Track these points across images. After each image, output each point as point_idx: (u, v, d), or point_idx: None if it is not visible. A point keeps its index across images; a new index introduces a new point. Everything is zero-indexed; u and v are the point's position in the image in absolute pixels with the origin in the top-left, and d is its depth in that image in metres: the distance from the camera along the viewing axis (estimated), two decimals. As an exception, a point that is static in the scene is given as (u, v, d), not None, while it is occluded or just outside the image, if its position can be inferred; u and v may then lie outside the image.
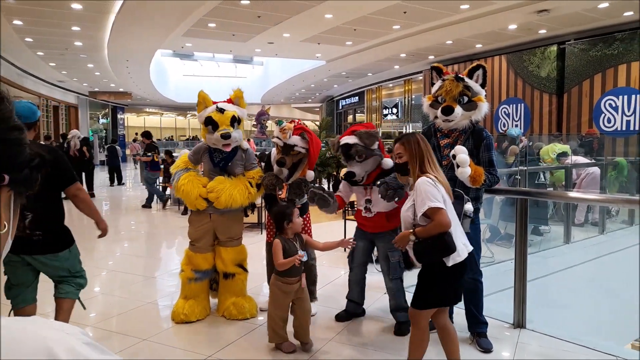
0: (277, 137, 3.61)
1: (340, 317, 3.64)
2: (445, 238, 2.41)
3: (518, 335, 3.31)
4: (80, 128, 21.98)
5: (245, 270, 3.76)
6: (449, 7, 8.80)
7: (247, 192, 3.57)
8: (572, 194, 5.50)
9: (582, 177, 7.36)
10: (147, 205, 9.59)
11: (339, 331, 3.47)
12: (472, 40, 11.57)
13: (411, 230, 2.50)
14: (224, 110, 3.55)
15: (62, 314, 2.96)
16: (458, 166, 2.86)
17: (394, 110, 19.75)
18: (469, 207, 2.82)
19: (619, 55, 9.79)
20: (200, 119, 3.61)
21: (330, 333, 3.42)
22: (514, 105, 12.04)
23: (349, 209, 5.60)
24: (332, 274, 4.63)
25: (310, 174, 3.68)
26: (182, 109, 31.90)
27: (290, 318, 3.18)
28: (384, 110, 20.43)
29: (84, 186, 11.22)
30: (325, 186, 9.62)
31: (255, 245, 5.58)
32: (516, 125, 11.79)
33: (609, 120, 9.91)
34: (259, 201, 6.49)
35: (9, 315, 1.37)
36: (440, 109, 3.13)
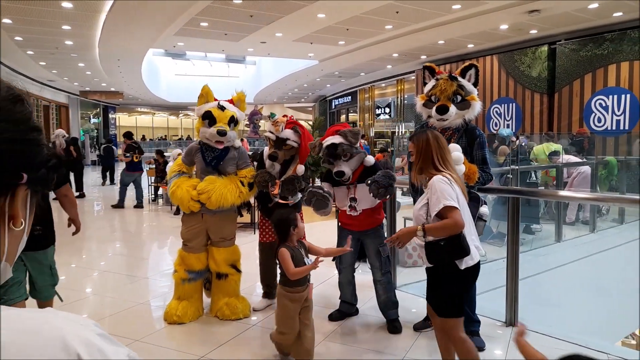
0: (270, 132, 3.62)
1: (333, 317, 3.65)
2: (460, 241, 2.31)
3: (510, 334, 3.33)
4: (71, 128, 21.81)
5: (239, 270, 3.75)
6: (441, 7, 8.83)
7: (238, 191, 3.56)
8: (563, 192, 5.55)
9: (573, 176, 7.43)
10: (140, 204, 9.53)
11: (333, 330, 3.47)
12: (464, 40, 11.63)
13: (419, 226, 2.39)
14: (225, 108, 3.56)
15: None
16: None
17: (387, 110, 19.79)
18: (484, 210, 2.81)
19: (609, 56, 9.89)
20: (198, 112, 3.60)
21: (323, 333, 3.42)
22: (506, 105, 12.11)
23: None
24: (325, 274, 4.63)
25: (301, 169, 3.68)
26: (174, 109, 31.75)
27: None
28: (377, 109, 20.46)
29: (73, 186, 11.15)
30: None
31: (248, 245, 5.56)
32: (508, 126, 11.86)
33: (599, 120, 10.01)
34: (252, 201, 6.48)
35: None
36: (434, 108, 3.14)
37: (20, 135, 0.59)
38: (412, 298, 4.07)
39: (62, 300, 3.17)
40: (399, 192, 6.45)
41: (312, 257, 2.83)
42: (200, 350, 3.12)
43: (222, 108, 3.55)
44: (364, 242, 3.51)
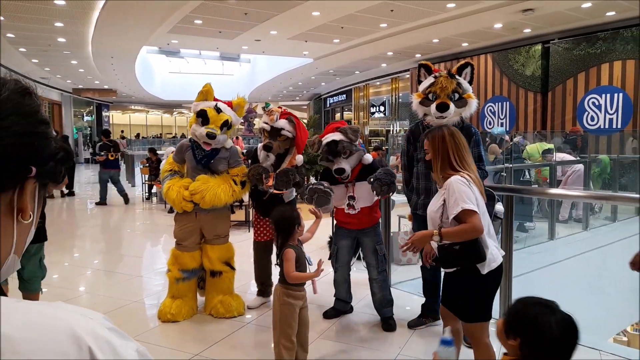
0: (265, 122, 3.60)
1: (328, 315, 3.65)
2: (476, 246, 2.18)
3: (504, 331, 3.33)
4: (64, 126, 21.65)
5: (233, 268, 3.74)
6: (436, 5, 8.85)
7: (231, 190, 3.55)
8: (556, 190, 5.58)
9: (568, 174, 7.48)
10: (101, 202, 9.58)
11: (328, 328, 3.47)
12: (459, 39, 11.66)
13: (435, 231, 2.27)
14: (221, 111, 3.52)
15: None
16: None
17: (382, 109, 19.81)
18: (499, 207, 2.76)
19: (602, 55, 9.95)
20: (194, 108, 3.57)
21: (318, 330, 3.43)
22: (500, 103, 12.16)
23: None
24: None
25: (300, 158, 3.68)
26: (168, 107, 31.62)
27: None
28: (372, 108, 20.48)
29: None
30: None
31: (243, 243, 5.56)
32: (502, 124, 11.91)
33: (592, 119, 10.07)
34: (246, 198, 6.46)
35: None
36: (435, 105, 3.14)
37: (30, 128, 0.59)
38: (407, 296, 4.08)
39: (42, 292, 3.27)
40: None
41: (309, 256, 2.79)
42: (194, 348, 3.11)
43: (218, 110, 3.50)
44: (361, 240, 3.51)
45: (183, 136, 29.58)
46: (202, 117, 3.47)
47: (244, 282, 4.31)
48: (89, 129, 26.22)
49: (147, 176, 10.10)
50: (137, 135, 30.30)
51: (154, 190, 10.01)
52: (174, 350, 3.13)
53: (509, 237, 3.47)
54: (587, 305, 4.35)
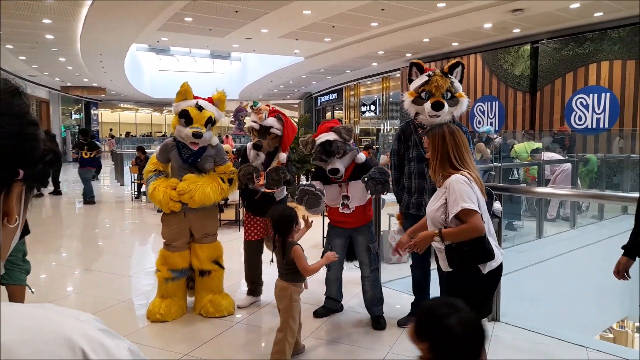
0: (253, 121, 3.59)
1: (318, 313, 3.65)
2: (485, 245, 2.17)
3: (492, 328, 3.37)
4: (52, 124, 21.39)
5: (222, 267, 3.73)
6: (426, 5, 8.89)
7: (220, 188, 3.53)
8: (544, 189, 5.64)
9: (556, 173, 7.56)
10: (89, 201, 9.57)
11: (318, 327, 3.48)
12: (449, 39, 11.72)
13: (436, 231, 2.26)
14: (203, 108, 3.48)
15: (17, 301, 2.97)
16: None
17: (372, 108, 19.85)
18: (497, 206, 2.77)
19: (590, 55, 10.06)
20: (175, 109, 3.52)
21: (308, 329, 3.43)
22: (489, 103, 12.25)
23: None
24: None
25: (283, 156, 3.67)
26: (158, 105, 31.39)
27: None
28: (362, 107, 20.52)
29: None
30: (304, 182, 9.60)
31: (233, 242, 5.55)
32: (491, 124, 12.00)
33: (579, 118, 10.19)
34: (236, 197, 6.44)
35: None
36: (430, 104, 3.15)
37: (19, 130, 0.57)
38: (397, 294, 4.10)
39: (33, 292, 3.22)
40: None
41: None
42: (184, 348, 3.10)
43: (200, 108, 3.46)
44: (355, 239, 3.51)
45: (172, 135, 29.40)
46: (185, 117, 3.43)
47: (234, 281, 4.30)
48: (78, 127, 25.95)
49: (136, 175, 10.03)
50: (127, 134, 30.06)
51: (143, 189, 9.94)
52: (163, 350, 3.11)
53: (498, 236, 3.50)
54: (574, 302, 4.41)
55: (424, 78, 3.28)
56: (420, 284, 3.50)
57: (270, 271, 4.05)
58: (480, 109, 12.46)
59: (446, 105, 3.14)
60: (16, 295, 3.10)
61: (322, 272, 3.75)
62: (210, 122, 3.51)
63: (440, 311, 1.44)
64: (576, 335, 3.31)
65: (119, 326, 3.43)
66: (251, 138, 3.78)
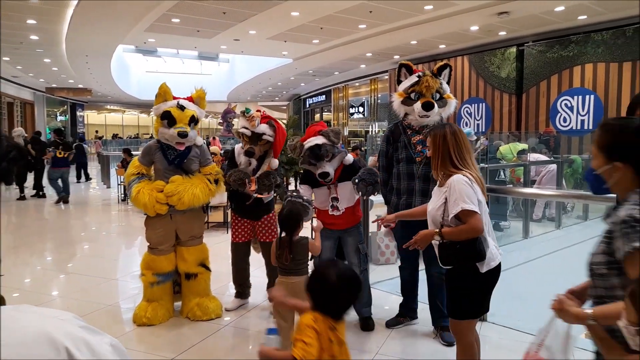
0: (244, 127, 3.55)
1: (306, 315, 3.64)
2: (477, 245, 2.20)
3: (479, 328, 3.39)
4: (37, 125, 21.11)
5: (208, 269, 3.69)
6: (414, 7, 8.95)
7: (207, 189, 3.51)
8: (530, 190, 5.70)
9: (542, 174, 7.64)
10: (63, 200, 9.67)
11: (306, 329, 3.46)
12: (436, 41, 11.81)
13: (436, 230, 2.28)
14: (185, 108, 3.45)
15: None
16: None
17: (361, 109, 19.92)
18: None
19: (574, 57, 10.22)
20: (156, 111, 3.46)
21: (296, 331, 3.42)
22: (476, 104, 12.36)
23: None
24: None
25: (275, 163, 3.66)
26: (145, 106, 31.10)
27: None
28: (351, 109, 20.58)
29: (31, 185, 10.98)
30: (292, 185, 9.59)
31: (221, 244, 5.51)
32: (477, 125, 12.12)
33: (564, 120, 10.33)
34: (224, 200, 6.41)
35: None
36: (421, 103, 3.17)
37: None
38: (385, 295, 4.11)
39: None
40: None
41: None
42: (171, 352, 3.06)
43: (181, 108, 3.43)
44: (344, 240, 3.50)
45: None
46: (168, 118, 3.39)
47: (222, 284, 4.27)
48: (63, 129, 25.61)
49: (122, 177, 9.94)
50: (115, 136, 29.82)
51: (128, 192, 9.86)
52: (149, 354, 3.07)
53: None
54: (560, 302, 4.45)
55: (413, 79, 3.30)
56: (408, 284, 3.51)
57: (258, 273, 4.04)
58: (467, 111, 12.57)
59: (435, 105, 3.17)
60: None
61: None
62: (193, 120, 3.48)
63: (321, 268, 1.77)
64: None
65: (105, 330, 3.36)
66: (240, 141, 3.74)
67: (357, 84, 19.99)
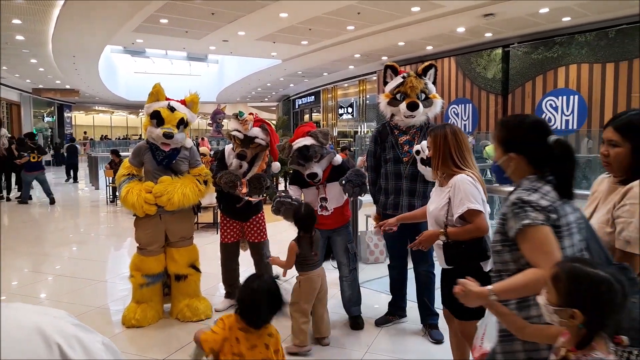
0: (237, 130, 3.56)
1: (296, 315, 3.67)
2: (482, 244, 2.20)
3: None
4: (24, 127, 20.82)
5: (198, 270, 3.70)
6: (401, 9, 9.02)
7: (197, 189, 3.52)
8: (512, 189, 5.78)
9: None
10: (23, 201, 9.75)
11: (295, 328, 3.49)
12: (423, 42, 11.91)
13: (441, 230, 2.28)
14: (175, 109, 3.46)
15: None
16: (422, 161, 2.93)
17: (349, 110, 20.00)
18: (487, 208, 2.85)
19: (559, 58, 10.38)
20: (147, 110, 3.48)
21: (286, 331, 3.45)
22: (463, 105, 12.49)
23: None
24: (288, 272, 4.65)
25: (276, 165, 3.69)
26: (133, 107, 30.88)
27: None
28: (340, 109, 20.64)
29: (16, 187, 10.95)
30: (282, 185, 9.62)
31: (210, 245, 5.52)
32: (464, 126, 12.24)
33: (549, 120, 10.48)
34: (213, 200, 6.41)
35: None
36: (405, 104, 3.22)
37: None
38: (374, 294, 4.15)
39: None
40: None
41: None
42: (161, 353, 3.07)
43: (172, 109, 3.44)
44: (333, 239, 3.52)
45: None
46: (157, 118, 3.40)
47: (212, 284, 4.28)
48: (50, 130, 25.33)
49: (111, 178, 9.87)
50: (105, 137, 29.58)
51: (118, 192, 9.81)
52: (139, 355, 3.08)
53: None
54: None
55: (398, 80, 3.34)
56: (397, 283, 3.55)
57: (247, 273, 4.06)
58: (454, 111, 12.69)
59: (421, 105, 3.22)
60: None
61: (297, 274, 3.78)
62: (183, 123, 3.48)
63: (248, 281, 2.07)
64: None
65: (94, 332, 3.38)
66: (231, 143, 3.74)
67: (345, 85, 20.06)
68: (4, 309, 0.55)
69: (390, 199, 3.35)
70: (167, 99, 3.55)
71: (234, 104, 27.55)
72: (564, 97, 10.23)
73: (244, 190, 3.51)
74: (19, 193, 10.37)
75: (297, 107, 25.67)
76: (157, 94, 3.51)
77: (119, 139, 30.42)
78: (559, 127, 10.29)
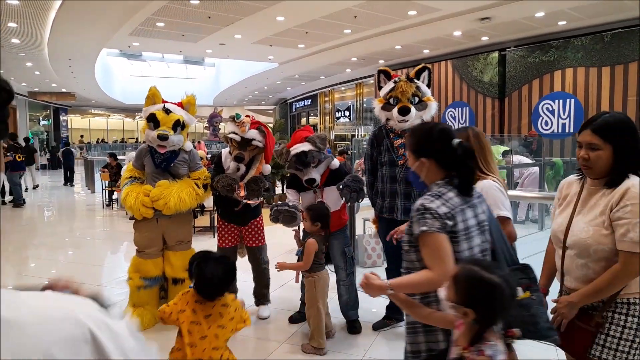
0: (234, 133, 3.55)
1: (294, 319, 3.66)
2: (512, 252, 2.09)
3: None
4: (19, 130, 20.75)
5: (196, 274, 3.69)
6: (397, 13, 9.04)
7: (195, 193, 3.51)
8: (512, 192, 5.80)
9: (524, 176, 7.78)
10: (19, 204, 9.86)
11: (293, 333, 3.48)
12: (420, 46, 11.94)
13: None
14: (170, 111, 3.47)
15: None
16: None
17: (347, 113, 20.02)
18: None
19: (555, 62, 10.42)
20: (144, 114, 3.52)
21: (284, 335, 3.43)
22: (460, 108, 12.52)
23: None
24: (285, 276, 4.63)
25: (267, 168, 3.68)
26: (129, 111, 30.81)
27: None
28: (337, 113, 20.66)
29: (7, 191, 11.00)
30: (279, 188, 9.60)
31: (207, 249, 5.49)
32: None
33: (546, 123, 10.52)
34: (210, 204, 6.39)
35: None
36: (396, 109, 3.22)
37: None
38: (372, 298, 4.12)
39: None
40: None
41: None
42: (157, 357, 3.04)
43: (167, 111, 3.45)
44: (330, 243, 3.51)
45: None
46: (153, 121, 3.43)
47: (209, 288, 4.26)
48: (46, 133, 25.24)
49: (107, 182, 9.84)
50: (102, 140, 29.54)
51: (114, 196, 9.76)
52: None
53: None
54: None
55: (391, 85, 3.35)
56: (394, 287, 3.54)
57: (245, 277, 4.04)
58: (451, 115, 12.72)
59: (413, 109, 3.21)
60: None
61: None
62: (179, 125, 3.49)
63: (201, 257, 2.29)
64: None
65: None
66: (228, 146, 3.73)
67: (343, 88, 20.08)
68: (35, 295, 0.60)
69: (386, 202, 3.35)
70: (164, 101, 3.56)
71: (230, 107, 27.56)
72: (561, 101, 10.26)
73: (242, 193, 3.50)
74: (11, 197, 10.33)
75: (294, 110, 25.68)
76: (153, 97, 3.53)
77: (115, 142, 30.35)
78: (555, 131, 10.33)
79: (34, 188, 12.93)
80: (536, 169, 7.85)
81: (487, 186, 2.16)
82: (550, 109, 10.44)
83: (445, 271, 1.50)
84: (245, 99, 25.73)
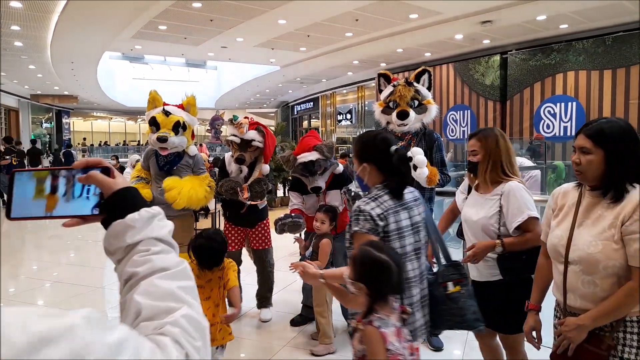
0: (233, 135, 3.56)
1: (295, 322, 3.66)
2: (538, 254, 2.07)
3: (467, 334, 3.43)
4: (22, 133, 20.82)
5: (196, 276, 3.70)
6: (399, 16, 9.06)
7: (205, 192, 3.54)
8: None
9: (526, 179, 7.76)
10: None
11: (294, 336, 3.48)
12: (422, 49, 11.96)
13: (498, 241, 2.13)
14: (170, 113, 3.50)
15: None
16: (416, 167, 2.95)
17: (348, 116, 20.03)
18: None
19: (556, 65, 10.43)
20: (146, 118, 3.57)
21: (285, 338, 3.43)
22: (461, 111, 12.52)
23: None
24: (287, 279, 4.63)
25: (266, 168, 3.68)
26: (132, 113, 30.90)
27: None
28: (338, 115, 20.67)
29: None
30: (281, 191, 9.62)
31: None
32: (463, 132, 12.26)
33: (548, 126, 10.51)
34: (212, 206, 6.39)
35: None
36: (395, 113, 3.23)
37: None
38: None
39: None
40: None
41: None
42: None
43: (167, 113, 3.48)
44: (332, 246, 3.53)
45: (147, 144, 29.04)
46: (154, 124, 3.48)
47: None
48: (48, 136, 25.31)
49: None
50: (104, 143, 29.64)
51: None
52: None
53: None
54: (545, 305, 4.52)
55: (390, 88, 3.36)
56: (395, 290, 3.54)
57: (249, 280, 4.05)
58: (452, 118, 12.72)
59: (412, 113, 3.21)
60: None
61: (299, 280, 3.76)
62: (180, 126, 3.50)
63: (198, 235, 2.64)
64: (549, 339, 3.39)
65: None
66: (230, 150, 3.74)
67: (344, 91, 20.10)
68: (48, 310, 0.55)
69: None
70: (165, 104, 3.59)
71: (232, 110, 27.61)
72: (562, 104, 10.26)
73: (245, 195, 3.51)
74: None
75: (295, 113, 25.71)
76: (153, 101, 3.58)
77: (117, 145, 30.42)
78: (557, 134, 10.32)
79: None
80: (538, 172, 7.83)
81: (515, 187, 2.15)
82: (552, 112, 10.43)
83: None
84: (247, 101, 25.77)
